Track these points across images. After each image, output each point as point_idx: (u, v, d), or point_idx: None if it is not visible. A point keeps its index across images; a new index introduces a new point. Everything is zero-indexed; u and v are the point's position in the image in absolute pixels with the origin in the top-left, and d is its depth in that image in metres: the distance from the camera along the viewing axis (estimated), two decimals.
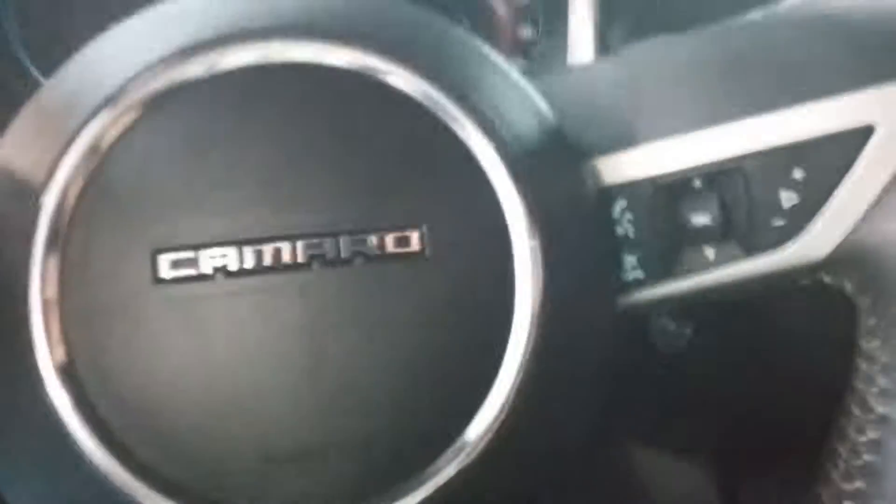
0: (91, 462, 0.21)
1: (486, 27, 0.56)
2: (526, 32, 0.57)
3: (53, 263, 0.22)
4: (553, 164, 0.25)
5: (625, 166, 0.26)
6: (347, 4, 0.25)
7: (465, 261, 0.23)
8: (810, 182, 0.25)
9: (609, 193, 0.26)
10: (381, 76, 0.23)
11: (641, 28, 0.52)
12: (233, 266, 0.22)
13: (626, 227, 0.26)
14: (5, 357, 0.23)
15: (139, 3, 0.28)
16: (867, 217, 0.25)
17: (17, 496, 0.24)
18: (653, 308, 0.28)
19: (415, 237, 0.23)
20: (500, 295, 0.23)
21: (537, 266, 0.23)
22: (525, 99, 0.26)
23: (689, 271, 0.26)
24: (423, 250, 0.23)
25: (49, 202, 0.22)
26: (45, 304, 0.22)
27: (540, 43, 0.57)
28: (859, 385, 0.25)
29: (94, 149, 0.23)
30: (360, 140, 0.23)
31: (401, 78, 0.23)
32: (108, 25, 0.36)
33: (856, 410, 0.25)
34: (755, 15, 0.28)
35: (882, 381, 0.24)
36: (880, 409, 0.24)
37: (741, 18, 0.28)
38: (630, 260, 0.26)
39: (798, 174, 0.25)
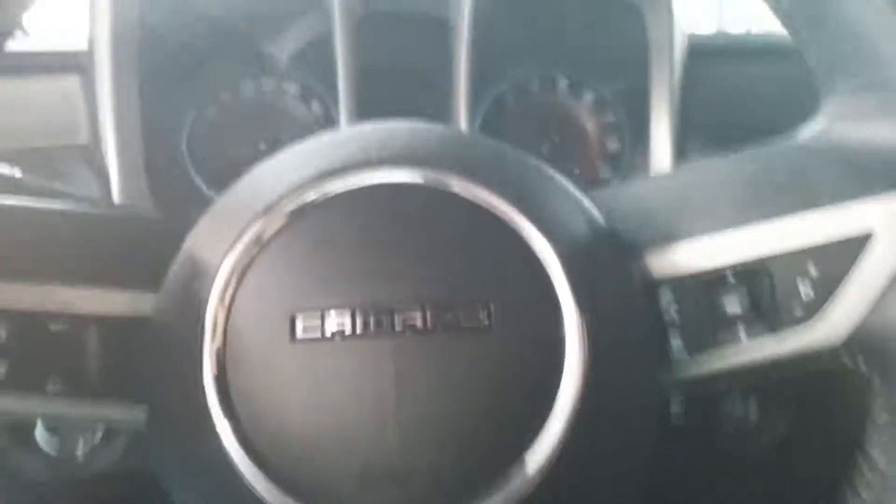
0: (244, 476, 0.28)
1: (577, 142, 0.64)
2: (613, 145, 0.64)
3: (221, 320, 0.30)
4: (600, 258, 0.31)
5: (671, 263, 0.32)
6: (441, 139, 0.33)
7: (523, 335, 0.29)
8: (824, 278, 0.30)
9: (657, 284, 0.32)
10: (466, 194, 0.30)
11: (714, 142, 0.58)
12: (348, 331, 0.30)
13: (671, 313, 0.32)
14: (186, 404, 0.31)
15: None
16: (875, 309, 0.29)
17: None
18: (700, 386, 0.33)
19: (481, 314, 0.29)
20: (551, 362, 0.28)
21: (583, 341, 0.28)
22: (578, 208, 0.32)
23: (725, 352, 0.31)
24: (488, 325, 0.28)
25: (219, 281, 0.30)
26: (215, 352, 0.29)
27: (626, 154, 0.64)
28: (871, 450, 0.28)
29: (255, 243, 0.31)
30: (447, 240, 0.30)
31: (480, 195, 0.30)
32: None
33: (866, 471, 0.28)
34: (780, 142, 0.33)
35: (879, 461, 0.28)
36: (882, 467, 0.27)
37: (769, 145, 0.34)
38: (676, 342, 0.31)
39: (813, 272, 0.30)
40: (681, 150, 0.58)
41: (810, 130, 0.33)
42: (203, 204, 0.56)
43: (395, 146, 0.32)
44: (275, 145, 0.62)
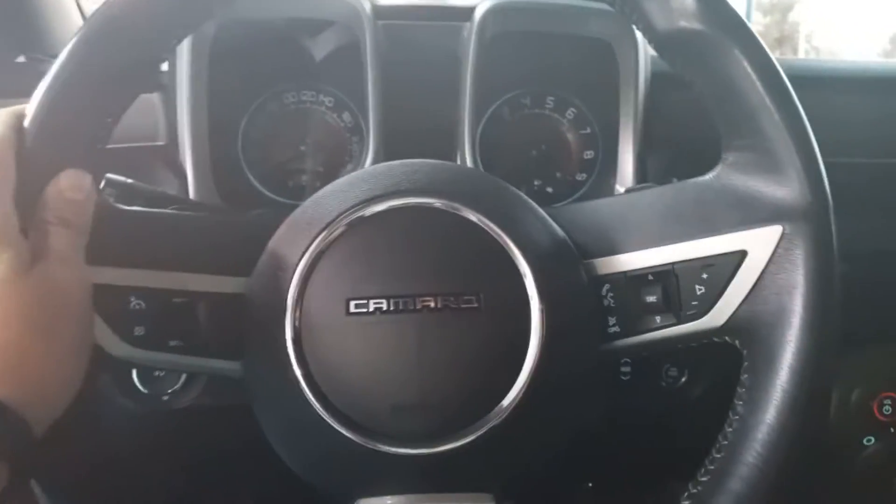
0: (314, 407, 0.39)
1: (559, 149, 0.74)
2: (589, 154, 0.75)
3: (297, 300, 0.40)
4: (558, 261, 0.42)
5: (610, 265, 0.43)
6: (452, 175, 0.44)
7: (502, 314, 0.40)
8: (712, 281, 0.41)
9: (600, 280, 0.43)
10: (467, 216, 0.41)
11: (673, 161, 0.69)
12: (384, 308, 0.39)
13: (609, 301, 0.43)
14: (271, 360, 0.40)
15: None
16: (744, 303, 0.40)
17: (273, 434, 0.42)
18: (628, 354, 0.45)
19: (474, 299, 0.40)
20: (522, 331, 0.39)
21: (543, 319, 0.39)
22: (544, 225, 0.43)
23: (645, 330, 0.43)
24: (479, 307, 0.39)
25: (297, 272, 0.40)
26: (292, 322, 0.39)
27: (598, 161, 0.74)
28: (736, 402, 0.40)
29: (321, 246, 0.40)
30: (453, 248, 0.41)
31: (476, 217, 0.41)
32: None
33: (732, 416, 0.40)
34: (692, 180, 0.44)
35: (740, 409, 0.40)
36: (737, 417, 0.39)
37: (685, 182, 0.44)
38: (611, 320, 0.43)
39: (705, 275, 0.41)
40: (643, 161, 0.68)
41: (713, 172, 0.43)
42: (256, 197, 0.69)
43: (419, 180, 0.43)
44: (313, 148, 0.72)
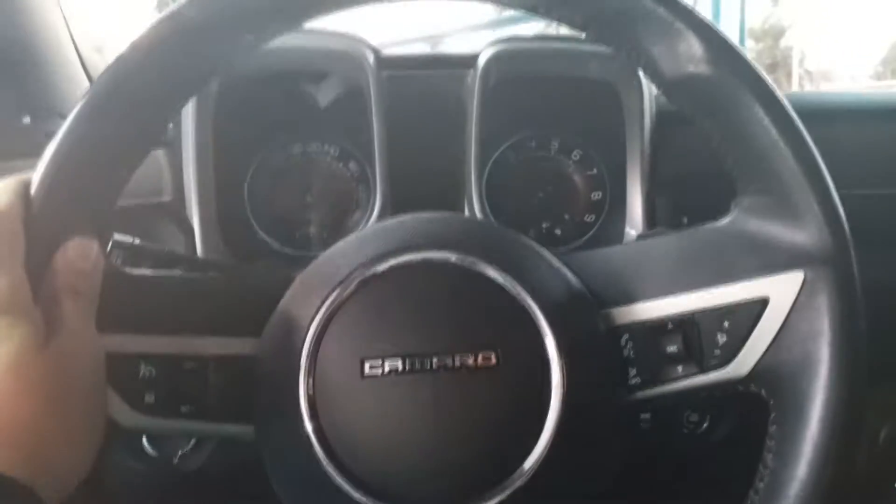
0: (328, 472, 0.37)
1: (566, 191, 0.74)
2: (596, 195, 0.74)
3: (311, 361, 0.38)
4: (575, 312, 0.40)
5: (628, 315, 0.42)
6: (463, 228, 0.43)
7: (522, 371, 0.38)
8: (734, 330, 0.40)
9: (618, 330, 0.42)
10: (481, 270, 0.40)
11: (683, 199, 0.69)
12: (399, 369, 0.38)
13: (628, 351, 0.42)
14: (285, 423, 0.39)
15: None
16: (768, 352, 0.39)
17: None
18: (649, 406, 0.43)
19: (493, 356, 0.38)
20: (542, 388, 0.38)
21: (563, 374, 0.38)
22: (559, 275, 0.41)
23: (666, 381, 0.41)
24: (497, 364, 0.38)
25: (310, 333, 0.39)
26: (307, 385, 0.38)
27: (607, 202, 0.74)
28: (765, 453, 0.39)
29: (333, 305, 0.39)
30: (468, 303, 0.39)
31: (490, 270, 0.40)
32: None
33: (762, 468, 0.39)
34: (707, 224, 0.43)
35: (770, 462, 0.39)
36: (767, 471, 0.38)
37: (699, 226, 0.43)
38: (632, 371, 0.42)
39: (726, 324, 0.40)
40: (651, 200, 0.68)
41: (728, 217, 0.42)
42: (264, 250, 0.68)
43: (431, 234, 0.43)
44: (319, 199, 0.73)
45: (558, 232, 0.74)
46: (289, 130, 0.73)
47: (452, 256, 0.41)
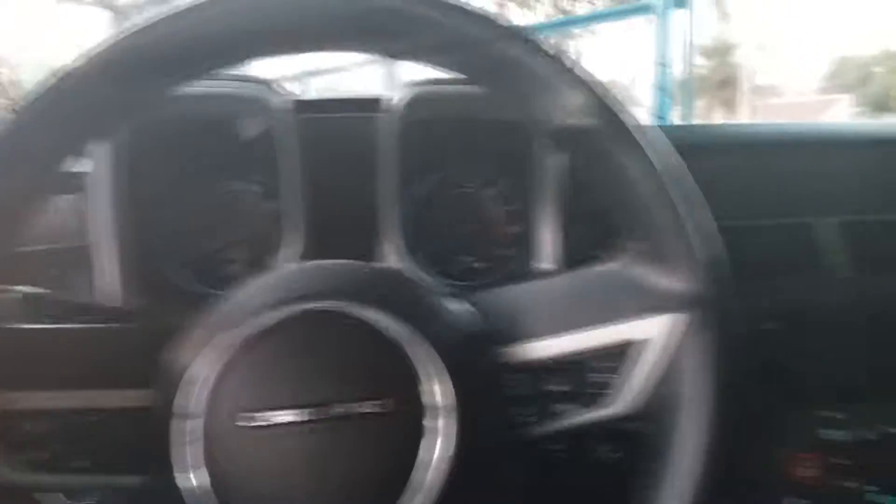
0: None
1: (489, 226, 0.76)
2: (515, 228, 0.76)
3: (198, 411, 0.38)
4: (468, 355, 0.41)
5: (522, 353, 0.43)
6: (358, 275, 0.43)
7: (411, 417, 0.38)
8: (618, 368, 0.42)
9: (511, 369, 0.43)
10: (365, 314, 0.40)
11: (596, 232, 0.70)
12: (287, 421, 0.37)
13: (525, 390, 0.44)
14: (174, 474, 0.38)
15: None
16: (649, 388, 0.41)
17: None
18: (542, 440, 0.45)
19: (380, 405, 0.38)
20: (432, 433, 0.38)
21: (456, 418, 0.38)
22: (454, 320, 0.42)
23: (556, 418, 0.44)
24: (386, 411, 0.38)
25: (194, 385, 0.38)
26: (194, 443, 0.38)
27: (526, 234, 0.74)
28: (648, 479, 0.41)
29: (220, 361, 0.39)
30: (354, 352, 0.39)
31: (382, 319, 0.40)
32: None
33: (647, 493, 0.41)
34: (600, 266, 0.45)
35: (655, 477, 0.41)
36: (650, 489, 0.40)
37: (593, 266, 0.45)
38: (525, 410, 0.44)
39: (610, 363, 0.42)
40: (563, 237, 0.70)
41: (618, 261, 0.44)
42: (181, 292, 0.67)
43: (322, 283, 0.43)
44: (242, 237, 0.73)
45: (477, 266, 0.75)
46: (213, 168, 0.73)
47: (341, 305, 0.41)
